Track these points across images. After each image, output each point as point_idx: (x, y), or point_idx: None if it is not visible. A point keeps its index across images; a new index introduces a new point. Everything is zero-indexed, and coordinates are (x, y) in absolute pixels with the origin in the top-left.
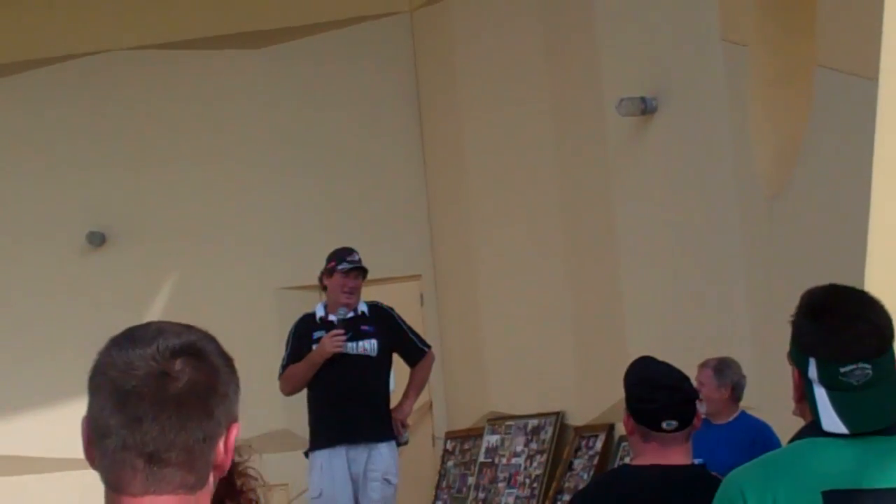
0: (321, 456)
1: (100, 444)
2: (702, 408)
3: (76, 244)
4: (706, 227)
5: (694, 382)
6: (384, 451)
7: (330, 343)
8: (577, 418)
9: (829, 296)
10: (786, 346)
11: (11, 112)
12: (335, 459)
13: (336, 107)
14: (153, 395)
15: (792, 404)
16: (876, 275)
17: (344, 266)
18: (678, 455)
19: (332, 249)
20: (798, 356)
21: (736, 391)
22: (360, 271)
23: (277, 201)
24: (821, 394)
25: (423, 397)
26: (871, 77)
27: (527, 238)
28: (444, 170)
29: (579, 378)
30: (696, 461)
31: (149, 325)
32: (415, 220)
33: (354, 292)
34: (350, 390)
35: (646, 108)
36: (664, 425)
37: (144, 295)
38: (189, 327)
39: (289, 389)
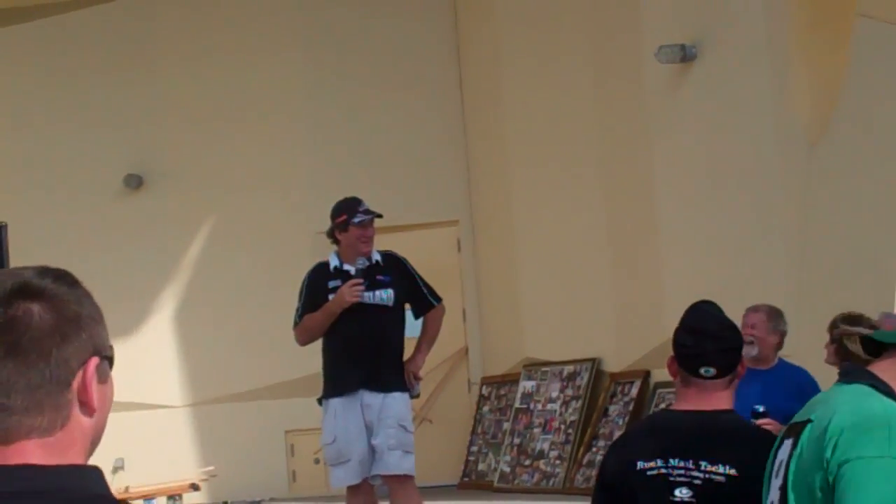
0: (335, 403)
1: None
2: (753, 350)
3: (113, 187)
4: (745, 174)
5: (740, 325)
6: (398, 399)
7: (349, 293)
8: (612, 365)
9: None
10: (821, 289)
11: (51, 54)
12: (349, 406)
13: (375, 52)
14: None
15: (822, 352)
16: None
17: (359, 218)
18: (717, 401)
19: (363, 197)
20: None
21: (782, 340)
22: (374, 219)
23: (316, 146)
24: None
25: (459, 343)
26: None
27: (565, 185)
28: (483, 116)
29: (616, 325)
30: (758, 407)
31: None
32: (453, 166)
33: (372, 240)
34: (367, 340)
35: (685, 55)
36: (702, 371)
37: (181, 237)
38: (27, 268)
39: (304, 339)
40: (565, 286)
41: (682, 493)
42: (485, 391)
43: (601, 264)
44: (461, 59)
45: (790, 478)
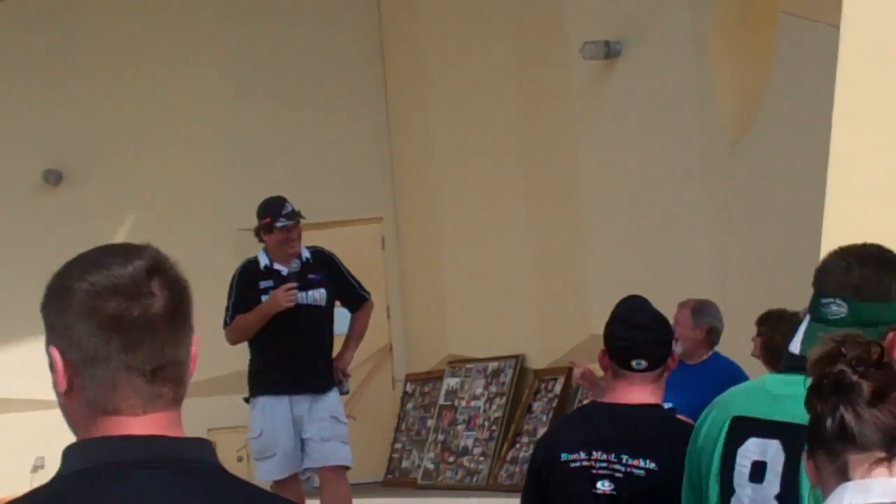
0: (264, 400)
1: (89, 370)
2: (677, 347)
3: (32, 182)
4: (668, 171)
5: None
6: (330, 395)
7: (284, 298)
8: (536, 361)
9: (857, 245)
10: (746, 287)
11: None
12: (278, 402)
13: (299, 51)
14: (146, 316)
15: (749, 346)
16: (833, 219)
17: (282, 223)
18: (646, 394)
19: (275, 196)
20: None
21: (711, 335)
22: (299, 220)
23: (238, 142)
24: (805, 322)
25: (383, 340)
26: (833, 24)
27: (489, 182)
28: (407, 114)
29: (539, 322)
30: (666, 405)
31: (107, 247)
32: (377, 163)
33: (298, 240)
34: (301, 341)
35: (609, 51)
36: (633, 364)
37: (102, 234)
38: (144, 247)
39: (235, 339)
40: (489, 283)
41: (603, 485)
42: (409, 388)
43: (525, 261)
44: (385, 57)
45: (803, 485)
